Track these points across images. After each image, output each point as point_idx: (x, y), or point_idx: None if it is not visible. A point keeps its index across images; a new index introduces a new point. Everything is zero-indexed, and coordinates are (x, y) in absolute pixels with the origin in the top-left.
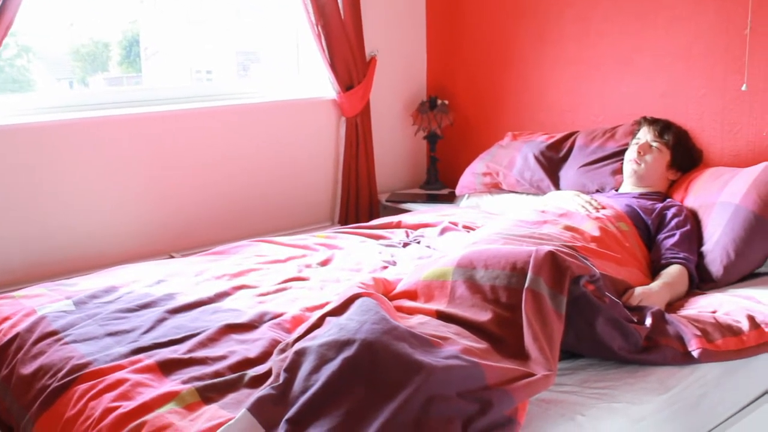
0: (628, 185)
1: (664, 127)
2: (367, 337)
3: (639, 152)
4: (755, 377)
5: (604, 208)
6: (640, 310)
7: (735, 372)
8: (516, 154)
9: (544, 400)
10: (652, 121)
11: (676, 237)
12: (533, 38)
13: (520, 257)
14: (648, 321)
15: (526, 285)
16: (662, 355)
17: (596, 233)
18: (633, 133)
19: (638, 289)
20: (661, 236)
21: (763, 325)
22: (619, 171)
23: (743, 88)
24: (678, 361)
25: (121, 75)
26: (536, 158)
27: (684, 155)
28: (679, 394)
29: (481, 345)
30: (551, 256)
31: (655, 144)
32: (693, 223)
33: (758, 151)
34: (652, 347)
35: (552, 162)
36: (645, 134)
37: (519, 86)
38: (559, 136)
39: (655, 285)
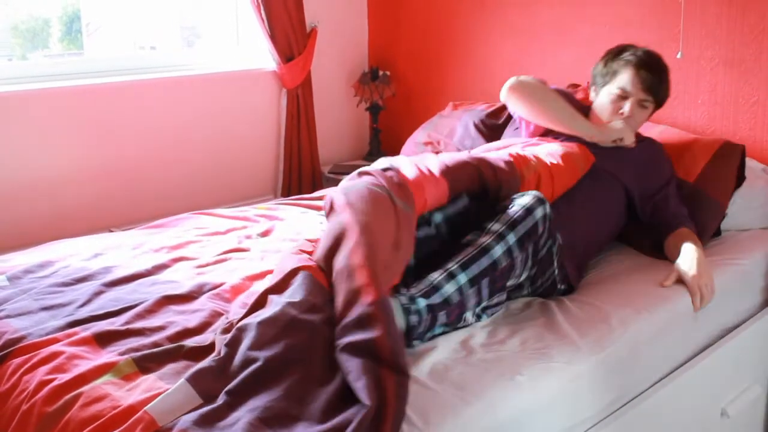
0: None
1: (656, 82)
2: (307, 319)
3: (630, 114)
4: (686, 339)
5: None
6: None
7: (666, 333)
8: (456, 123)
9: (485, 361)
10: (641, 65)
11: (674, 196)
12: (475, 8)
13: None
14: None
15: None
16: None
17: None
18: (612, 70)
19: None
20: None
21: None
22: None
23: (678, 55)
24: None
25: (62, 52)
26: (476, 126)
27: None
28: (614, 354)
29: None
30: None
31: (647, 104)
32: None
33: (694, 118)
34: None
35: (492, 129)
36: (633, 86)
37: (461, 56)
38: (499, 104)
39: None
